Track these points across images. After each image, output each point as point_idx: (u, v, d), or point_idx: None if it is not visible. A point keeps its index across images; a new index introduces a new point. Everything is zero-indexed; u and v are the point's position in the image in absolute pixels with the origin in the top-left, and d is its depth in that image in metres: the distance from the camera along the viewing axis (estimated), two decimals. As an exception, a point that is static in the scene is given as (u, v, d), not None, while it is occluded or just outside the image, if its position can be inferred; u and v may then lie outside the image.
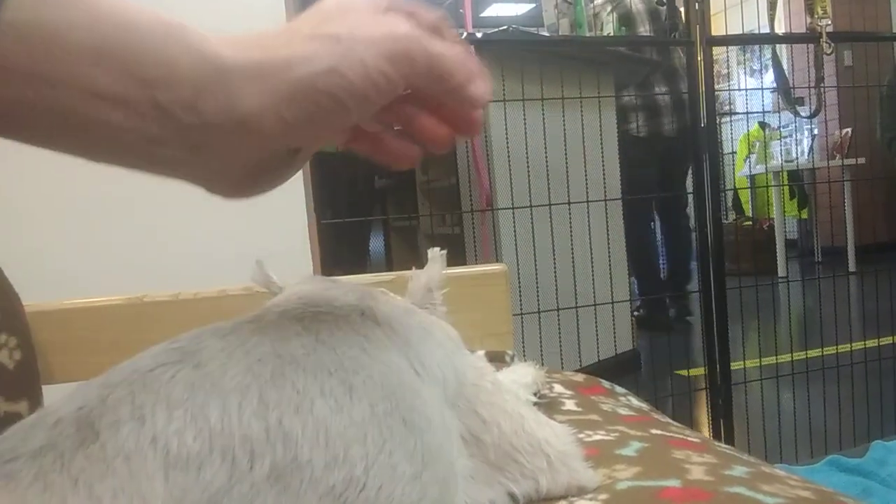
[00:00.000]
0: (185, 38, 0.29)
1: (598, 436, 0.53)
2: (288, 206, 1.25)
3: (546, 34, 2.78)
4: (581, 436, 0.52)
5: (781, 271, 4.59)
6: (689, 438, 0.52)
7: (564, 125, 1.87)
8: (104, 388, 0.28)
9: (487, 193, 2.20)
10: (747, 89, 5.63)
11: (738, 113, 5.59)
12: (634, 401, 0.69)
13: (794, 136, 4.92)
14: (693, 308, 3.31)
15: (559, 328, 1.80)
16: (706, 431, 1.84)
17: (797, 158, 4.88)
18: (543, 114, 1.82)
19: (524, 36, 2.40)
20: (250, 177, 0.34)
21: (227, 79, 0.29)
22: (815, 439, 1.80)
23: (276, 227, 1.14)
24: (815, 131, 5.12)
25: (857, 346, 1.96)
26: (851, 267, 4.52)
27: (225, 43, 0.30)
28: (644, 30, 3.26)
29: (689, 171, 1.92)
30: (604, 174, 1.98)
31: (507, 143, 1.84)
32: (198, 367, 0.29)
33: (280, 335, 0.33)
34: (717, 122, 1.95)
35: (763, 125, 5.17)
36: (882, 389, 1.88)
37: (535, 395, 0.61)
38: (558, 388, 0.67)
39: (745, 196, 5.69)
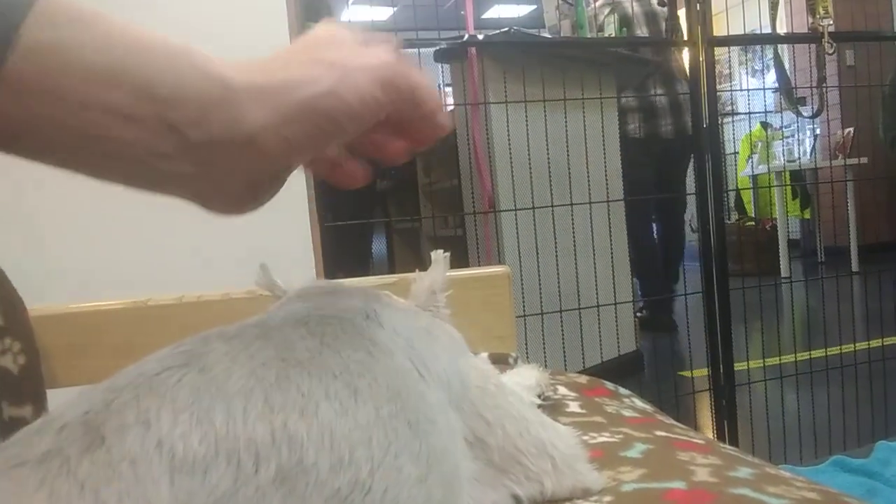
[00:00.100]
0: (192, 60, 0.31)
1: (603, 438, 0.53)
2: (290, 209, 1.25)
3: (547, 35, 2.79)
4: (585, 438, 0.52)
5: (784, 271, 4.59)
6: (693, 440, 0.52)
7: (566, 126, 1.87)
8: (109, 392, 0.28)
9: (490, 195, 2.20)
10: (749, 89, 5.62)
11: (740, 113, 5.58)
12: (638, 402, 0.69)
13: (796, 136, 4.91)
14: (676, 307, 3.31)
15: (562, 330, 1.80)
16: (710, 432, 1.83)
17: (799, 158, 4.87)
18: (545, 115, 1.81)
19: (526, 37, 2.40)
20: (250, 192, 0.36)
21: (232, 98, 0.31)
22: (819, 440, 1.79)
23: (279, 231, 1.14)
24: (818, 131, 5.11)
25: (861, 346, 1.95)
26: (854, 267, 4.52)
27: (228, 65, 0.32)
28: (641, 32, 3.30)
29: (692, 172, 1.92)
30: (606, 175, 1.97)
31: (510, 144, 1.84)
32: (203, 370, 0.29)
33: (284, 339, 0.33)
34: (720, 122, 1.94)
35: (765, 125, 5.16)
36: (886, 389, 1.87)
37: (538, 397, 0.61)
38: (562, 390, 0.67)
39: (747, 196, 5.68)
